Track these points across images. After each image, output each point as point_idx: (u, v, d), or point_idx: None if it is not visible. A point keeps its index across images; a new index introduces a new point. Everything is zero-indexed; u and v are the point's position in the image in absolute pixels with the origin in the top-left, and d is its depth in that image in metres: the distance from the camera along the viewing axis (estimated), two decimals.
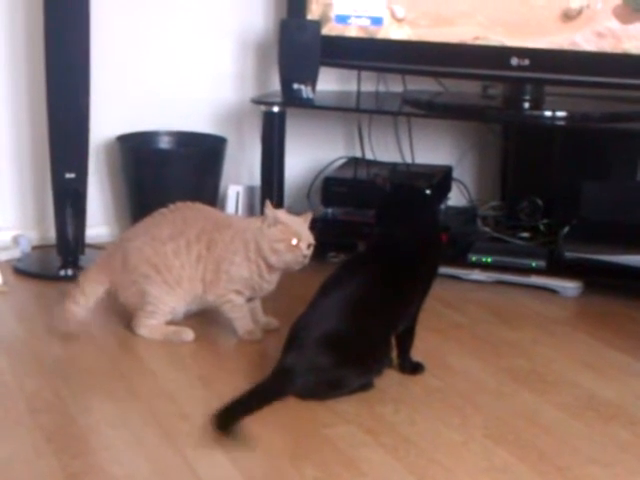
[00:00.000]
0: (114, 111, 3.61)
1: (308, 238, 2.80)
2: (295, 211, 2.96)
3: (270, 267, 2.81)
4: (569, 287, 3.30)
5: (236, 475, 2.14)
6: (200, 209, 2.93)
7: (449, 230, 3.42)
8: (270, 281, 2.84)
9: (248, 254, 2.80)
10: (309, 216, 2.86)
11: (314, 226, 2.87)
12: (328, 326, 2.46)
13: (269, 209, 2.80)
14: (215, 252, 2.81)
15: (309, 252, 2.79)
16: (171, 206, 2.90)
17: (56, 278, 3.33)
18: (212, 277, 2.82)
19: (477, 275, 3.39)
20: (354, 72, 3.69)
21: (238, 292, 2.82)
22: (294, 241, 2.77)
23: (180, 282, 2.83)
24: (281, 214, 2.83)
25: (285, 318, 2.69)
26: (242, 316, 2.84)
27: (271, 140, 3.45)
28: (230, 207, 3.67)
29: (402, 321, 2.60)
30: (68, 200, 3.34)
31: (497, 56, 3.37)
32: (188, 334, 2.83)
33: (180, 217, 2.86)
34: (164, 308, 2.84)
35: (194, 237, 2.82)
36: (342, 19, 3.52)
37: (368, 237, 2.89)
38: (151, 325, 2.84)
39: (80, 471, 2.14)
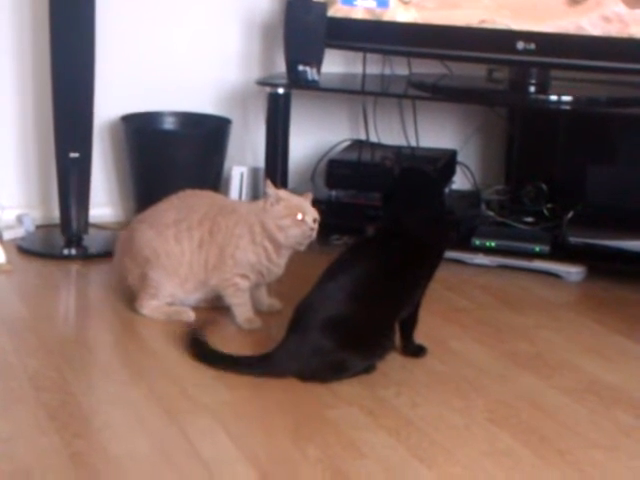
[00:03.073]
0: (119, 91, 3.60)
1: (313, 213, 2.80)
2: (297, 192, 2.96)
3: (278, 248, 2.80)
4: (573, 272, 3.29)
5: (238, 455, 2.14)
6: (206, 196, 2.93)
7: (453, 214, 3.41)
8: (279, 264, 2.83)
9: (254, 237, 2.79)
10: (310, 195, 2.86)
11: (317, 207, 2.86)
12: (332, 309, 2.46)
13: (270, 188, 2.81)
14: (218, 237, 2.81)
15: (315, 226, 2.79)
16: (180, 193, 2.91)
17: (60, 257, 3.33)
18: (215, 262, 2.81)
19: (481, 259, 3.39)
20: (359, 54, 3.67)
21: (244, 276, 2.82)
22: (299, 216, 2.77)
23: (178, 269, 2.82)
24: (282, 192, 2.84)
25: (289, 300, 2.69)
26: (243, 303, 2.83)
27: (276, 122, 3.45)
28: (234, 188, 3.67)
29: (406, 306, 2.59)
30: (72, 180, 3.34)
31: (503, 39, 3.36)
32: (189, 314, 2.84)
33: (186, 203, 2.87)
34: (164, 292, 2.84)
35: (196, 222, 2.82)
36: (348, 1, 3.51)
37: (376, 220, 2.89)
38: (153, 305, 2.85)
39: (82, 449, 2.14)
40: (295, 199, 2.82)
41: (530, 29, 3.33)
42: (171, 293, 2.85)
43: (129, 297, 2.91)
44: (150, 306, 2.85)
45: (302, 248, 2.82)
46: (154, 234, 2.83)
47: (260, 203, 2.83)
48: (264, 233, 2.79)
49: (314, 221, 2.79)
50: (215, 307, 2.89)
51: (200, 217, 2.83)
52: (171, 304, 2.86)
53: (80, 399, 2.38)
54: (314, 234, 2.80)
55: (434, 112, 3.88)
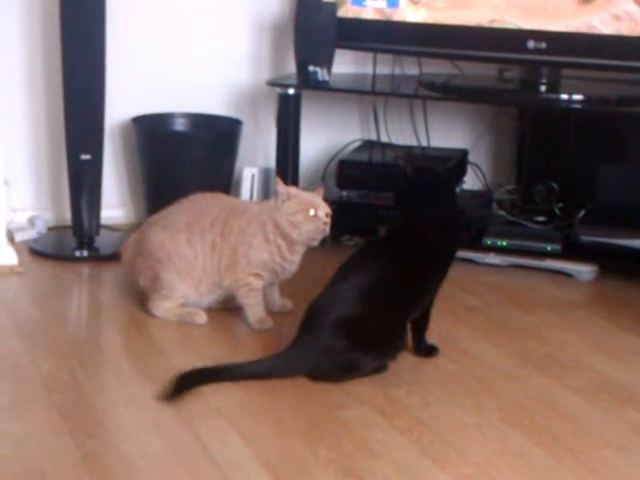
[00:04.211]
0: (129, 92, 3.61)
1: (325, 207, 2.80)
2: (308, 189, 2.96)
3: (291, 245, 2.80)
4: (584, 271, 3.29)
5: (249, 455, 2.14)
6: (216, 198, 2.94)
7: (464, 214, 3.41)
8: (292, 261, 2.83)
9: (267, 236, 2.79)
10: (321, 190, 2.86)
11: (328, 204, 2.87)
12: (344, 309, 2.47)
13: (280, 185, 2.81)
14: (231, 237, 2.81)
15: (328, 220, 2.79)
16: (191, 196, 2.92)
17: (71, 259, 3.34)
18: (228, 262, 2.82)
19: (492, 258, 3.38)
20: (370, 54, 3.67)
21: (257, 275, 2.82)
22: (312, 211, 2.77)
23: (191, 271, 2.83)
24: (293, 189, 2.85)
25: (300, 300, 2.69)
26: (256, 303, 2.83)
27: (286, 122, 3.45)
28: (245, 189, 3.67)
29: (418, 307, 2.59)
30: (84, 181, 3.35)
31: (513, 39, 3.36)
32: (201, 316, 2.84)
33: (197, 206, 2.87)
34: (177, 294, 2.85)
35: (208, 225, 2.82)
36: (358, 1, 3.50)
37: (388, 221, 2.88)
38: (165, 307, 2.85)
39: (95, 450, 2.15)
40: (306, 195, 2.82)
41: (541, 28, 3.33)
42: (184, 295, 2.85)
43: (141, 298, 2.91)
44: (162, 307, 2.85)
45: (315, 243, 2.82)
46: (167, 237, 2.84)
47: (271, 202, 2.83)
48: (277, 231, 2.79)
49: (327, 215, 2.79)
50: (227, 308, 2.89)
51: (212, 220, 2.83)
52: (183, 305, 2.86)
53: (93, 400, 2.38)
54: (327, 228, 2.80)
55: (445, 112, 3.88)
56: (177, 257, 2.82)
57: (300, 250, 2.83)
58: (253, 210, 2.86)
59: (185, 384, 2.37)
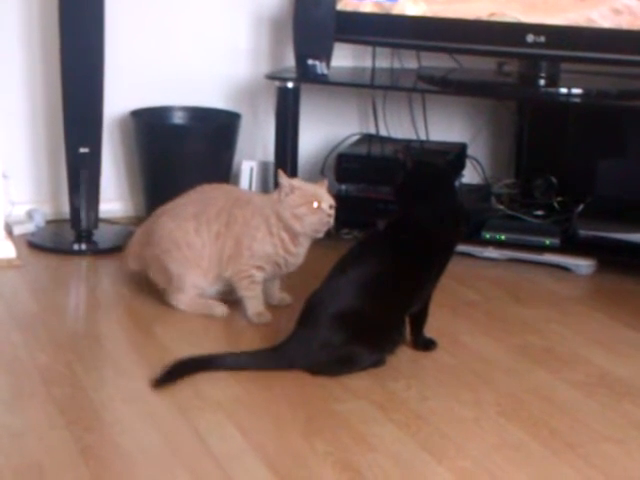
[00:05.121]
0: (128, 86, 3.61)
1: (328, 199, 2.79)
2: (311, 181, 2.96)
3: (295, 238, 2.79)
4: (583, 265, 3.29)
5: (247, 449, 2.14)
6: (222, 188, 2.95)
7: (463, 207, 3.40)
8: (297, 254, 2.82)
9: (270, 229, 2.79)
10: (325, 182, 2.85)
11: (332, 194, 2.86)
12: (342, 303, 2.47)
13: (283, 178, 2.80)
14: (235, 228, 2.81)
15: (332, 212, 2.78)
16: (198, 187, 2.92)
17: (70, 252, 3.34)
18: (231, 253, 2.81)
19: (490, 252, 3.38)
20: (369, 48, 3.67)
21: (259, 268, 2.81)
22: (315, 204, 2.76)
23: (200, 261, 2.83)
24: (296, 181, 2.84)
25: (299, 294, 2.69)
26: (255, 296, 2.83)
27: (285, 116, 3.45)
28: (244, 183, 3.66)
29: (417, 301, 2.59)
30: (82, 175, 3.34)
31: (513, 33, 3.35)
32: (221, 309, 2.83)
33: (203, 197, 2.88)
34: (187, 283, 2.84)
35: (214, 215, 2.82)
36: None
37: (386, 214, 2.88)
38: (180, 299, 2.85)
39: (93, 444, 2.15)
40: (309, 187, 2.82)
41: (540, 22, 3.32)
42: (194, 284, 2.85)
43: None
44: (179, 299, 2.84)
45: (320, 235, 2.81)
46: (175, 226, 2.84)
47: (274, 194, 2.82)
48: (280, 224, 2.78)
49: (330, 207, 2.79)
50: (226, 301, 2.89)
51: (217, 210, 2.83)
52: (201, 296, 2.86)
53: (90, 394, 2.38)
54: (331, 220, 2.79)
55: (443, 105, 3.88)
56: (186, 246, 2.82)
57: (305, 242, 2.82)
58: (257, 202, 2.85)
59: (178, 372, 2.39)
